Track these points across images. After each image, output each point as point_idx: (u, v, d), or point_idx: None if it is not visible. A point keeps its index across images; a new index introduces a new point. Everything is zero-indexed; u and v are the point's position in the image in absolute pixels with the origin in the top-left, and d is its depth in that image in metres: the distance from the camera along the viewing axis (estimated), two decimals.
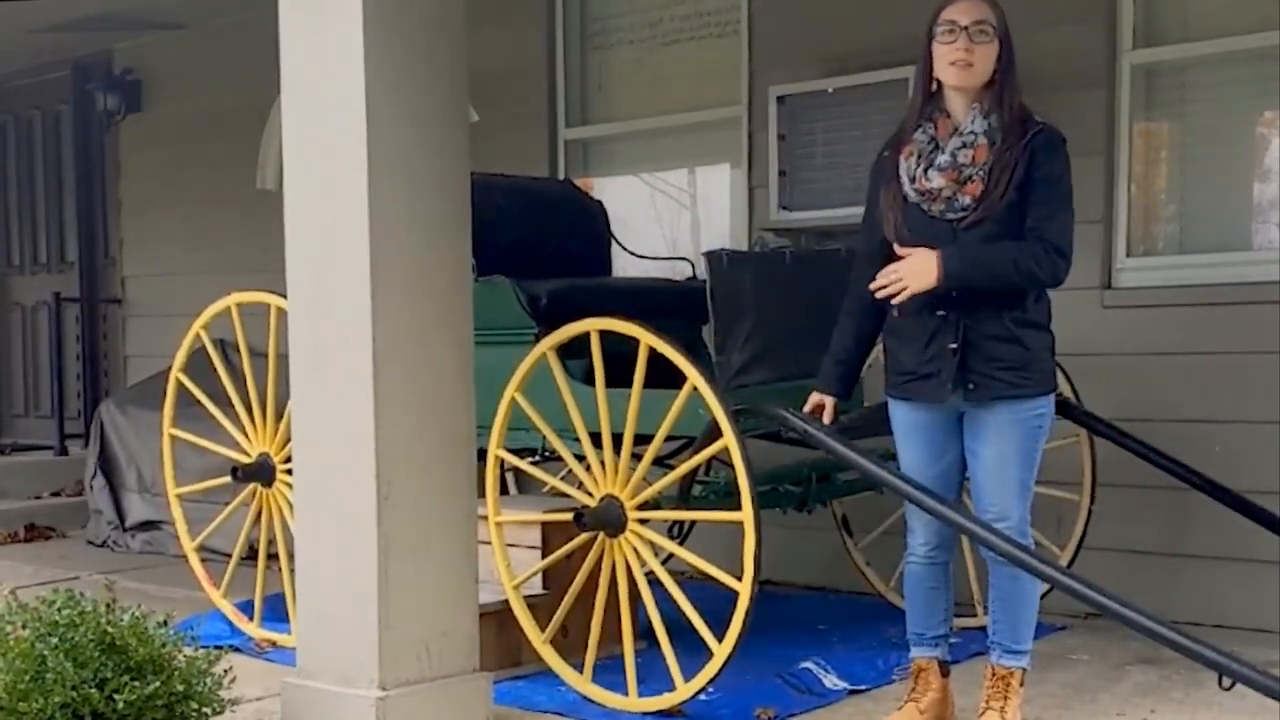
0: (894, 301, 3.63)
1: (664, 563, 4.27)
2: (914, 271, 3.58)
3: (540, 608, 4.35)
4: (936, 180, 3.62)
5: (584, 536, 4.13)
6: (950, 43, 3.60)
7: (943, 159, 3.62)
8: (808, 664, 4.45)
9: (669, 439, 4.12)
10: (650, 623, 4.02)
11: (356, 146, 3.57)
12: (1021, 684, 3.76)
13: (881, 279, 3.63)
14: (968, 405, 3.66)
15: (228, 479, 5.05)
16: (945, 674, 3.89)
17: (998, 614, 3.75)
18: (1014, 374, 3.60)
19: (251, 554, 5.16)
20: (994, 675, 3.77)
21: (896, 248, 3.66)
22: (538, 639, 4.28)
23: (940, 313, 3.62)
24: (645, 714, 4.02)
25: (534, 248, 4.99)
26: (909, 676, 3.94)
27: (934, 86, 3.68)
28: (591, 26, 6.79)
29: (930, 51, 3.65)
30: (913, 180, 3.65)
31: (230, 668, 3.48)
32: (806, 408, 3.98)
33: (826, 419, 3.95)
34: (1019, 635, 3.74)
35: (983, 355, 3.60)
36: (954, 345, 3.60)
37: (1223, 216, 5.20)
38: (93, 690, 3.12)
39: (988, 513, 3.67)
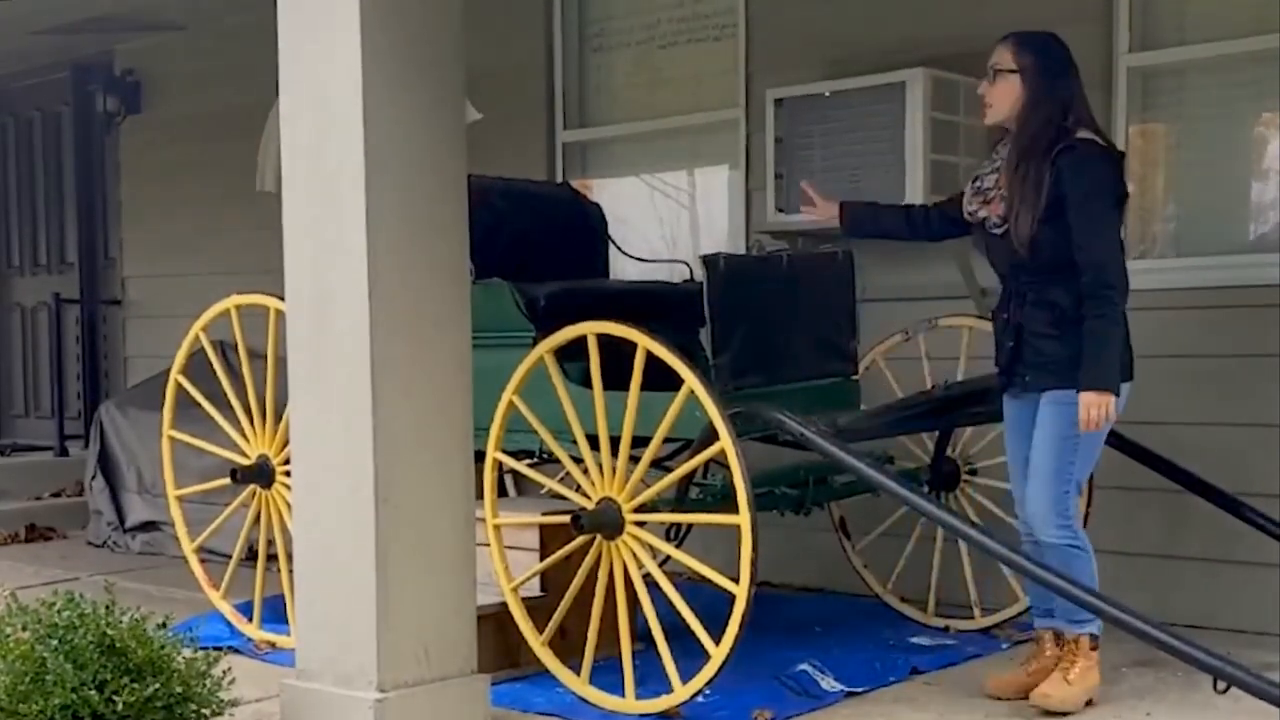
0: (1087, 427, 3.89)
1: (661, 565, 4.28)
2: (1093, 404, 3.84)
3: (538, 609, 4.36)
4: (973, 203, 4.16)
5: (582, 539, 4.14)
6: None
7: (981, 183, 4.14)
8: (805, 666, 4.46)
9: (666, 441, 4.13)
10: (648, 624, 4.04)
11: (354, 149, 3.58)
12: (1094, 648, 4.07)
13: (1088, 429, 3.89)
14: (1028, 396, 4.07)
15: (227, 481, 5.06)
16: (1059, 644, 4.18)
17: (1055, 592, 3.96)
18: (1058, 366, 3.96)
19: (251, 555, 5.17)
20: (1063, 641, 4.11)
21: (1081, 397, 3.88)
22: (536, 641, 4.29)
23: (1004, 316, 4.11)
24: (643, 715, 4.03)
25: (532, 250, 5.00)
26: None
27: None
28: (589, 29, 6.80)
29: None
30: (969, 204, 4.18)
31: (229, 669, 3.49)
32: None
33: (822, 211, 4.53)
34: (1077, 608, 3.90)
35: (1032, 349, 4.02)
36: (1011, 344, 4.07)
37: (1220, 219, 5.21)
38: (92, 692, 3.14)
39: (1022, 500, 4.11)
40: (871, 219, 4.60)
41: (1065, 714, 4.03)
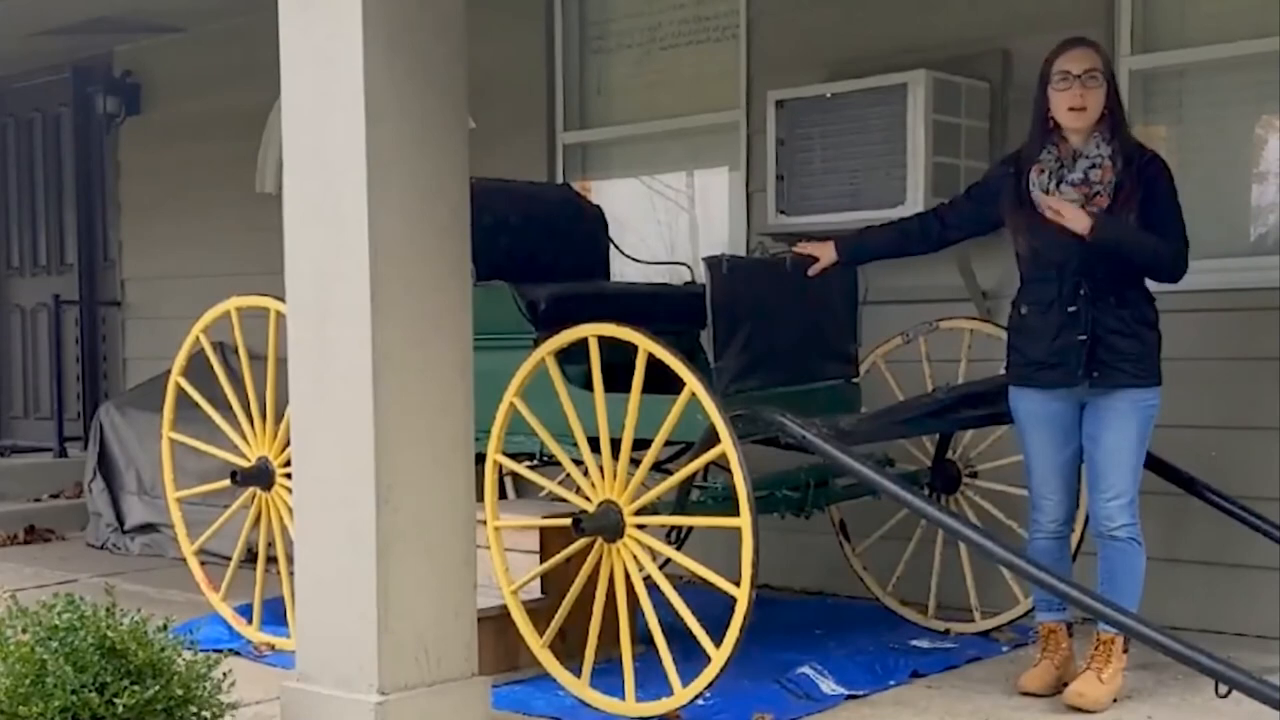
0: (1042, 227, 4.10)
1: (662, 567, 4.27)
2: (1074, 215, 4.03)
3: (538, 612, 4.36)
4: (1070, 194, 4.09)
5: (582, 541, 4.14)
6: (1065, 90, 4.09)
7: (1074, 176, 4.10)
8: (805, 669, 4.46)
9: (667, 444, 4.13)
10: (648, 627, 4.03)
11: (356, 151, 3.57)
12: (1125, 650, 4.12)
13: (1050, 206, 4.06)
14: (1092, 394, 4.11)
15: (227, 483, 5.05)
16: (1070, 634, 4.32)
17: (1105, 586, 4.09)
18: (1134, 365, 4.09)
19: (250, 557, 5.17)
20: (1099, 641, 4.14)
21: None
22: (536, 643, 4.28)
23: (1071, 309, 4.09)
24: (643, 718, 4.03)
25: (533, 252, 4.99)
26: (1039, 639, 4.36)
27: (1050, 124, 4.15)
28: (590, 31, 6.80)
29: (1045, 95, 4.15)
30: (1046, 193, 4.12)
31: (229, 671, 3.49)
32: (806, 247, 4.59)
33: (822, 255, 4.54)
34: (1123, 606, 3.91)
35: (1107, 347, 4.07)
36: (1083, 337, 4.07)
37: (1221, 221, 5.20)
38: (92, 694, 3.13)
39: (1106, 493, 4.09)
40: (865, 248, 4.64)
41: (1088, 712, 4.07)
